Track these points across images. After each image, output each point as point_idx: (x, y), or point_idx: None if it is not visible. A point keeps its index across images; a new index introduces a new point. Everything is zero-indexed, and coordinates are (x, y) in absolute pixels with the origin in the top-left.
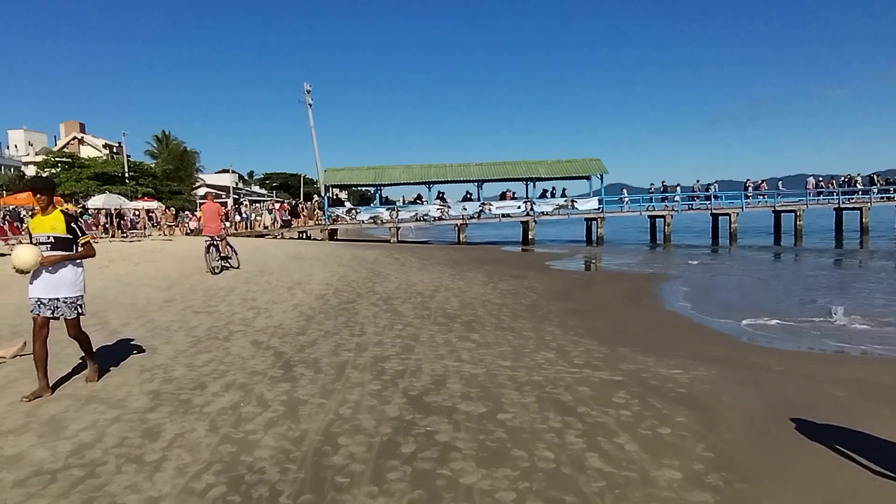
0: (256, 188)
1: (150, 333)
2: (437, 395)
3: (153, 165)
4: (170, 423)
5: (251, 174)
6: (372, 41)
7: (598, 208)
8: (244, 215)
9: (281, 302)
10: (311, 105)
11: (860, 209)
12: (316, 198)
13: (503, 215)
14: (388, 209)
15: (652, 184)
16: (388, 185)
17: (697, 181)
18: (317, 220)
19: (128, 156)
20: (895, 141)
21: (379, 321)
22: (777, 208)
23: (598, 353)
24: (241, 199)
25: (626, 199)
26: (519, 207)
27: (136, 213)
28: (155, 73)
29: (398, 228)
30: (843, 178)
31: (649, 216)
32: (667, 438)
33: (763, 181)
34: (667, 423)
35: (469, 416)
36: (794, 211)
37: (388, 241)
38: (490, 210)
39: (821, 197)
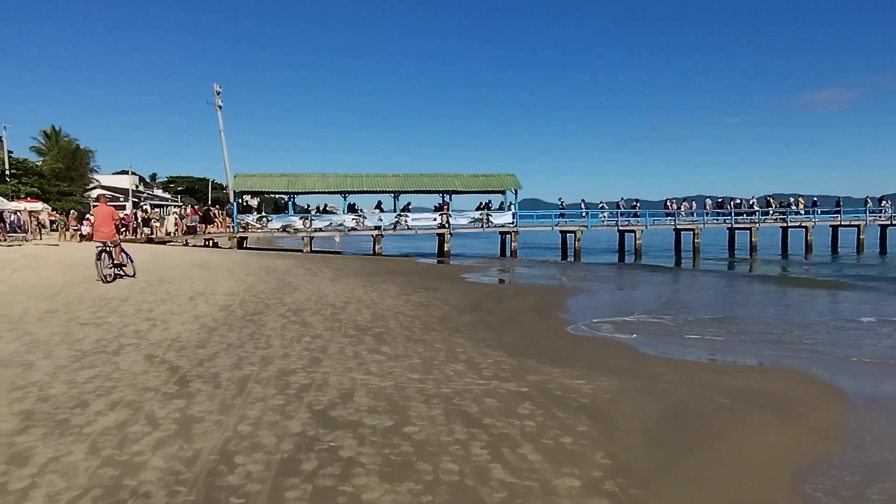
0: (160, 192)
1: (25, 347)
2: (343, 409)
3: (39, 163)
4: (42, 446)
5: (154, 177)
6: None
7: (513, 222)
8: (144, 220)
9: (180, 313)
10: (220, 107)
11: (749, 229)
12: (228, 205)
13: (419, 227)
14: (301, 218)
15: (560, 199)
16: (302, 193)
17: (622, 198)
18: (225, 227)
19: (9, 152)
20: (782, 166)
21: (286, 333)
22: (677, 226)
23: (507, 365)
24: (142, 203)
25: (586, 213)
26: (434, 220)
27: (18, 214)
28: (45, 63)
29: (312, 238)
30: (738, 200)
31: (561, 231)
32: (568, 447)
33: (685, 199)
34: (569, 432)
35: (375, 429)
36: (691, 229)
37: (301, 251)
38: (406, 221)
39: (719, 217)
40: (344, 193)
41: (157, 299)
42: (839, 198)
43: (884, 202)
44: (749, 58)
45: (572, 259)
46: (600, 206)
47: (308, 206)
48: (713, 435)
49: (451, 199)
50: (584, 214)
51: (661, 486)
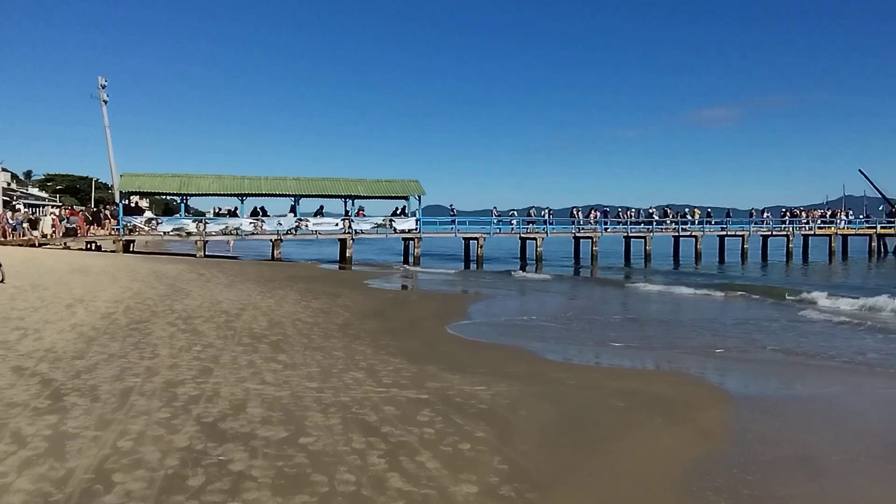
0: (35, 191)
1: None
2: (234, 421)
3: None
4: None
5: (28, 174)
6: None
7: (416, 228)
8: (31, 221)
9: (56, 321)
10: (106, 101)
11: (644, 238)
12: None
13: (320, 232)
14: (194, 221)
15: (451, 205)
16: (196, 195)
17: (534, 207)
18: (110, 229)
19: None
20: (676, 178)
21: (175, 342)
22: (577, 235)
23: (408, 372)
24: (14, 202)
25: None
26: (337, 225)
27: None
28: None
29: (206, 242)
30: (635, 210)
31: (464, 238)
32: (466, 454)
33: (592, 208)
34: (467, 438)
35: (268, 441)
36: (590, 238)
37: (194, 256)
38: (307, 226)
39: (618, 226)
40: (241, 196)
41: (29, 307)
42: (729, 209)
43: (766, 213)
44: (643, 75)
45: (475, 266)
46: (511, 213)
47: (220, 209)
48: (608, 437)
49: (353, 205)
50: (495, 221)
51: (556, 489)
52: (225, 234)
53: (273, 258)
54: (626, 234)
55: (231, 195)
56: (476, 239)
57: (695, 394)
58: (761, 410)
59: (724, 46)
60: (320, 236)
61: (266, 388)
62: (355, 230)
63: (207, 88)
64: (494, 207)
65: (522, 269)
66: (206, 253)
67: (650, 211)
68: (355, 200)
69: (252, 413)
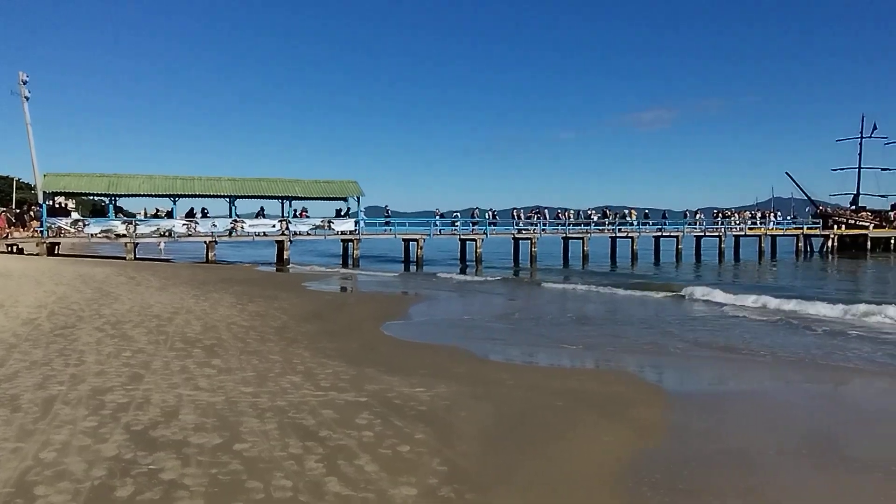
0: None
1: None
2: (166, 429)
3: None
4: None
5: None
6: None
7: (355, 230)
8: None
9: None
10: (28, 98)
11: (582, 239)
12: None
13: (257, 234)
14: (124, 223)
15: (386, 206)
16: (126, 195)
17: (476, 208)
18: (32, 231)
19: None
20: (614, 180)
21: (103, 348)
22: (516, 236)
23: (346, 375)
24: None
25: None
26: (274, 226)
27: None
28: None
29: (136, 245)
30: (574, 211)
31: (404, 239)
32: (405, 456)
33: (533, 210)
34: (407, 440)
35: (202, 448)
36: (529, 239)
37: (124, 259)
38: (243, 228)
39: (558, 227)
40: (174, 197)
41: None
42: (665, 211)
43: (699, 215)
44: (582, 77)
45: (415, 268)
46: (454, 215)
47: (159, 210)
48: (547, 436)
49: (291, 206)
50: (436, 223)
51: (496, 489)
52: (157, 236)
53: (208, 260)
54: (564, 236)
55: (163, 196)
56: (416, 240)
57: (631, 391)
58: (695, 406)
59: (661, 50)
60: (257, 238)
61: (200, 394)
62: (293, 232)
63: (138, 84)
64: (437, 209)
65: (463, 270)
66: (137, 256)
67: (589, 212)
68: (293, 201)
69: (185, 420)
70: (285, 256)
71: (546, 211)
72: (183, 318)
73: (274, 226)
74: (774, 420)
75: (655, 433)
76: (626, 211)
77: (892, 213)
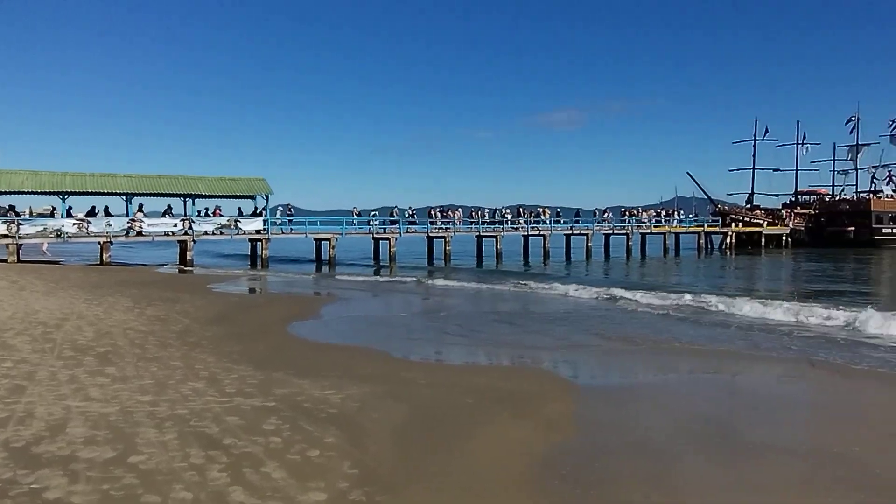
0: None
1: None
2: (51, 444)
3: None
4: None
5: None
6: None
7: (264, 229)
8: None
9: None
10: None
11: (495, 237)
12: None
13: (158, 233)
14: (4, 222)
15: (289, 205)
16: (7, 193)
17: (396, 207)
18: None
19: None
20: (529, 179)
21: None
22: (430, 234)
23: (253, 380)
24: None
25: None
26: (176, 225)
27: None
28: None
29: (20, 246)
30: (490, 210)
31: (315, 238)
32: (315, 461)
33: (449, 208)
34: (316, 445)
35: (92, 463)
36: (443, 238)
37: (5, 261)
38: (142, 227)
39: (472, 225)
40: (62, 195)
41: None
42: (578, 209)
43: (607, 213)
44: (498, 76)
45: (328, 268)
46: (372, 214)
47: (69, 209)
48: (459, 435)
49: (194, 204)
50: (353, 222)
51: (408, 490)
52: (43, 237)
53: (102, 262)
54: (478, 234)
55: (50, 193)
56: (328, 240)
57: (542, 387)
58: (603, 399)
59: (572, 50)
60: (157, 238)
61: (91, 405)
62: (196, 231)
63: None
64: (355, 207)
65: (377, 270)
66: (21, 258)
67: (504, 211)
68: (196, 200)
69: (73, 433)
70: (188, 257)
71: (460, 209)
72: (73, 325)
73: (176, 225)
74: (675, 408)
75: (565, 427)
76: (540, 210)
77: (783, 212)
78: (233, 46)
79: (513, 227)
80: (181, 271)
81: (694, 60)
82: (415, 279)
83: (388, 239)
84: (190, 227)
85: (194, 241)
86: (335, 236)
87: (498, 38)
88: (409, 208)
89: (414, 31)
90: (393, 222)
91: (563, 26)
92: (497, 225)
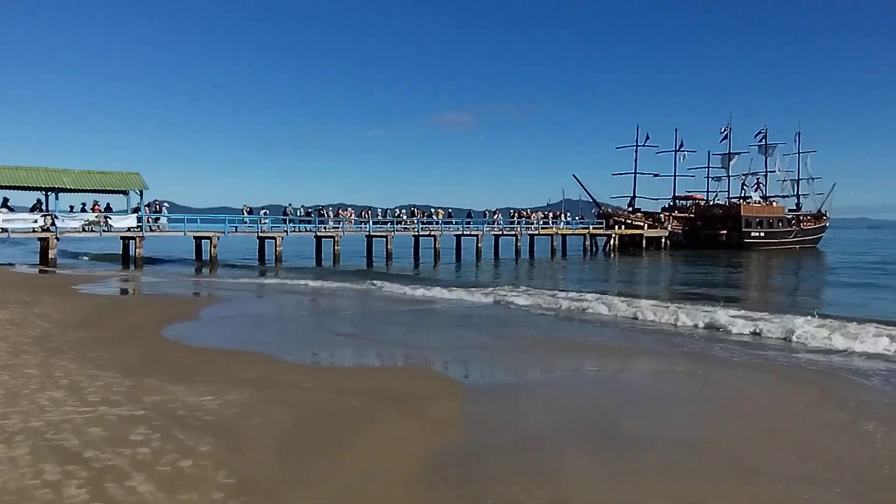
0: None
1: None
2: None
3: None
4: None
5: None
6: None
7: (138, 226)
8: None
9: None
10: None
11: (385, 237)
12: None
13: (13, 230)
14: None
15: (156, 201)
16: None
17: (302, 205)
18: None
19: None
20: (420, 179)
21: None
22: (318, 234)
23: (121, 387)
24: None
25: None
26: (36, 221)
27: None
28: None
29: None
30: (382, 210)
31: (195, 237)
32: (187, 471)
33: (339, 207)
34: (189, 454)
35: None
36: (332, 237)
37: None
38: None
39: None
40: None
41: None
42: (470, 210)
43: (497, 215)
44: (387, 74)
45: (209, 269)
46: (262, 211)
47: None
48: (344, 438)
49: (57, 199)
50: (244, 220)
51: (288, 496)
52: None
53: None
54: (367, 234)
55: None
56: (209, 238)
57: (430, 387)
58: (490, 397)
59: (463, 52)
60: (12, 235)
61: None
62: (60, 228)
63: None
64: (245, 205)
65: (262, 272)
66: None
67: (397, 211)
68: (59, 194)
69: None
70: (50, 256)
71: (350, 209)
72: None
73: (36, 220)
74: (559, 405)
75: (453, 427)
76: (433, 210)
77: (662, 215)
78: (112, 34)
79: (403, 228)
80: (42, 271)
81: (579, 67)
82: (301, 281)
83: (274, 238)
84: (53, 224)
85: (58, 239)
86: (217, 234)
87: (388, 36)
88: (302, 206)
89: (302, 25)
90: (286, 220)
91: (452, 26)
92: (388, 225)
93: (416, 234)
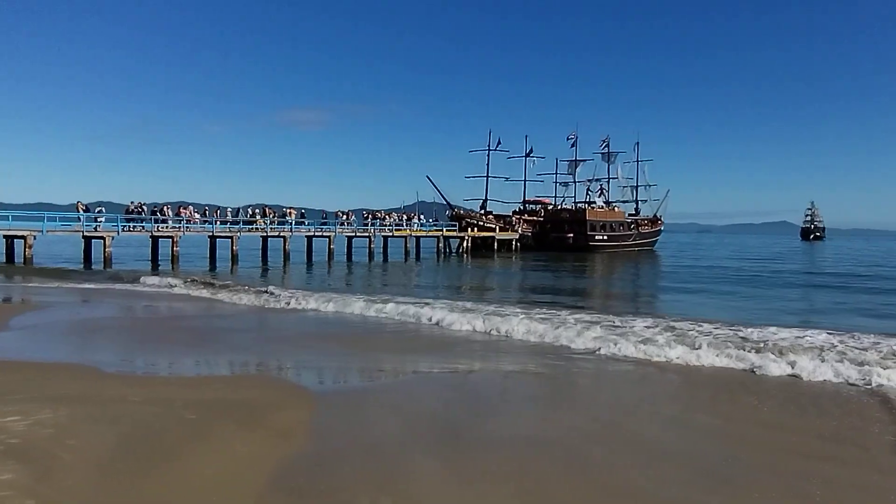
0: None
1: None
2: None
3: None
4: None
5: None
6: None
7: None
8: None
9: None
10: None
11: (231, 238)
12: None
13: None
14: None
15: None
16: None
17: (140, 202)
18: None
19: None
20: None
21: None
22: (154, 234)
23: None
24: None
25: None
26: None
27: None
28: None
29: None
30: (233, 209)
31: (5, 236)
32: None
33: (175, 204)
34: None
35: None
36: (171, 237)
37: None
38: None
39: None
40: None
41: None
42: (324, 210)
43: (350, 216)
44: (229, 64)
45: (21, 275)
46: (98, 209)
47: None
48: (177, 454)
49: None
50: (78, 218)
51: None
52: None
53: None
54: (210, 234)
55: None
56: (23, 238)
57: (274, 395)
58: (338, 404)
59: (314, 47)
60: None
61: None
62: None
63: None
64: (79, 201)
65: (87, 281)
66: None
67: (250, 210)
68: None
69: None
70: None
71: (191, 207)
72: None
73: None
74: (408, 409)
75: (298, 436)
76: (285, 210)
77: (513, 218)
78: None
79: (249, 228)
80: None
81: (434, 70)
82: (132, 285)
83: (102, 238)
84: None
85: None
86: (33, 234)
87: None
88: (139, 202)
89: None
90: (129, 219)
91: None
92: (234, 225)
93: (265, 234)
